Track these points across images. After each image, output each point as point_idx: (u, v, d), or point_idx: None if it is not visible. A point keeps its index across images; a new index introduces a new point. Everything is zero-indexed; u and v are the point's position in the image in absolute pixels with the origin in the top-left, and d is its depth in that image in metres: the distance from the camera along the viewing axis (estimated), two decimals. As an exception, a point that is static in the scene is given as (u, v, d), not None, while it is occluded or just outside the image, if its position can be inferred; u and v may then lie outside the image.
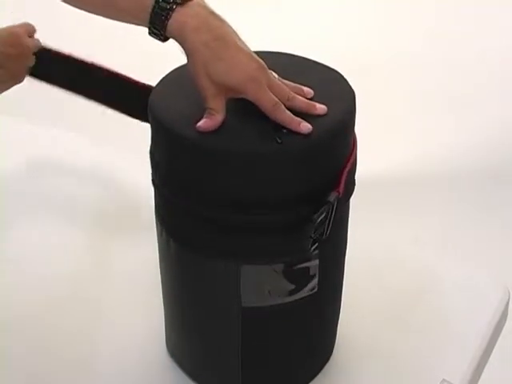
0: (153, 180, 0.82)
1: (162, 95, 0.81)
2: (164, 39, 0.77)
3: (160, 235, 0.84)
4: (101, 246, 1.10)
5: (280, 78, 0.81)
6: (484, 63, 2.71)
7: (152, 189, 0.83)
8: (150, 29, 0.76)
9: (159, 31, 0.76)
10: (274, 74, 0.80)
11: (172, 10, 0.74)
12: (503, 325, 1.05)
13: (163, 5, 0.74)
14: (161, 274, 0.89)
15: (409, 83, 2.57)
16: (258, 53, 0.84)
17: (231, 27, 0.78)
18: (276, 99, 0.77)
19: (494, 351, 1.02)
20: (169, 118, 0.77)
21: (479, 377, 0.99)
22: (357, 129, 0.82)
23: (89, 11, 0.84)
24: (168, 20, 0.74)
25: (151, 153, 0.82)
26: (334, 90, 0.82)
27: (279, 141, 0.72)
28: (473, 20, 2.91)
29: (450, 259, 1.17)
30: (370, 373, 0.93)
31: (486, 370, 1.00)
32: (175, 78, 0.84)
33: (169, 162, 0.78)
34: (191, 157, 0.74)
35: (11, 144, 1.29)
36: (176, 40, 0.76)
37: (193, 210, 0.76)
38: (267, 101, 0.76)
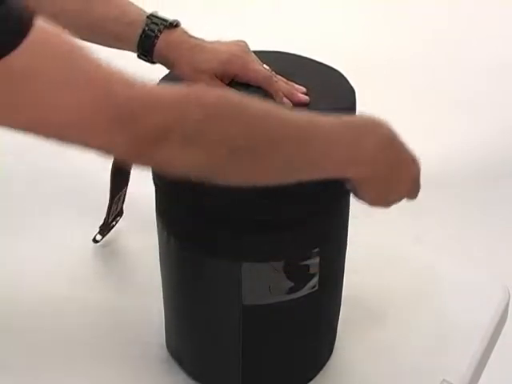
0: (153, 178, 0.82)
1: None
2: (152, 59, 0.83)
3: (161, 234, 0.84)
4: (101, 245, 1.10)
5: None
6: (485, 63, 2.71)
7: (153, 188, 0.83)
8: (139, 51, 0.83)
9: (148, 52, 0.82)
10: None
11: (160, 32, 0.81)
12: (503, 325, 1.04)
13: (152, 27, 0.81)
14: (161, 272, 0.89)
15: (409, 83, 2.57)
16: (258, 52, 0.84)
17: None
18: (269, 72, 0.79)
19: (494, 351, 1.02)
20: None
21: (479, 377, 0.99)
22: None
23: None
24: (156, 40, 0.81)
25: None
26: (334, 89, 0.82)
27: None
28: (474, 20, 2.91)
29: (451, 259, 1.17)
30: (370, 373, 0.93)
31: (486, 370, 1.00)
32: (174, 77, 0.84)
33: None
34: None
35: (12, 146, 1.29)
36: (162, 60, 0.82)
37: (194, 208, 0.76)
38: (259, 72, 0.79)
